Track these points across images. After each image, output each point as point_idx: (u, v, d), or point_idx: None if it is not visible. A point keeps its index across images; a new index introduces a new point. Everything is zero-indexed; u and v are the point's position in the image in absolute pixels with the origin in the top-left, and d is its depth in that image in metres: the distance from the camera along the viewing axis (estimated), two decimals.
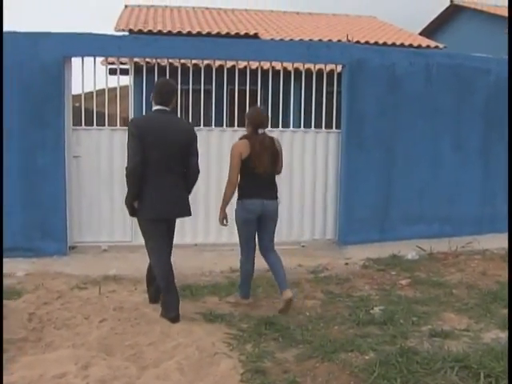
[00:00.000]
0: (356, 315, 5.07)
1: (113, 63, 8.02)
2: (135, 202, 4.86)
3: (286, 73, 8.17)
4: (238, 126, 7.96)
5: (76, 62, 7.47)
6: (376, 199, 8.24)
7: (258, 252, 5.70)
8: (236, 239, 5.54)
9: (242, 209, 5.29)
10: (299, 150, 8.20)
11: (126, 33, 13.54)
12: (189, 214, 5.15)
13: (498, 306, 5.30)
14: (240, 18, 17.52)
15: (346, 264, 7.24)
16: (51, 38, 7.26)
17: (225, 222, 5.41)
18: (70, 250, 7.57)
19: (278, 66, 8.25)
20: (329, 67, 8.29)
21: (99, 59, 8.00)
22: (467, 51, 10.83)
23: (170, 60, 7.91)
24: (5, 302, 5.04)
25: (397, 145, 8.29)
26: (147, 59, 7.91)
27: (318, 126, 8.31)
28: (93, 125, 7.74)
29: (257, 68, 8.00)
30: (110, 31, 13.19)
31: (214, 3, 20.70)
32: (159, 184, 4.82)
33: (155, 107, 4.98)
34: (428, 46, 15.39)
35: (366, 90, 8.06)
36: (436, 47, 15.49)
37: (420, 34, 20.35)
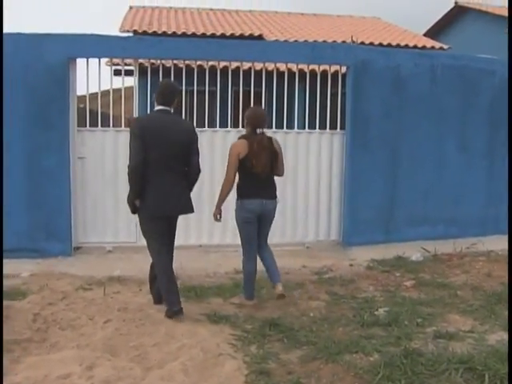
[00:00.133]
0: (360, 316, 5.06)
1: (117, 64, 8.03)
2: (137, 201, 4.93)
3: (291, 74, 8.17)
4: (242, 127, 7.93)
5: (81, 63, 7.50)
6: (381, 200, 8.23)
7: None
8: None
9: (241, 209, 5.35)
10: (304, 150, 8.19)
11: (131, 34, 13.57)
12: (191, 210, 5.22)
13: (503, 308, 5.28)
14: (244, 19, 17.52)
15: (351, 265, 7.23)
16: (56, 40, 7.28)
17: (218, 217, 5.50)
18: (75, 250, 7.58)
19: (282, 67, 8.25)
20: (333, 68, 8.30)
21: (104, 60, 8.01)
22: (472, 52, 10.80)
23: (175, 61, 7.93)
24: (10, 302, 5.06)
25: (401, 146, 8.28)
26: (152, 60, 7.92)
27: (322, 127, 8.30)
28: (97, 126, 7.76)
29: (261, 69, 8.01)
30: (115, 32, 13.20)
31: (218, 4, 20.75)
32: (161, 182, 4.90)
33: (157, 107, 5.08)
34: (432, 47, 15.37)
35: (370, 91, 8.06)
36: (441, 48, 15.45)
37: (424, 35, 20.33)
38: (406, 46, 14.82)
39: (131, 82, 9.23)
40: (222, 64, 8.14)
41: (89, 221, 7.76)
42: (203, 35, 13.88)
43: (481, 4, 20.78)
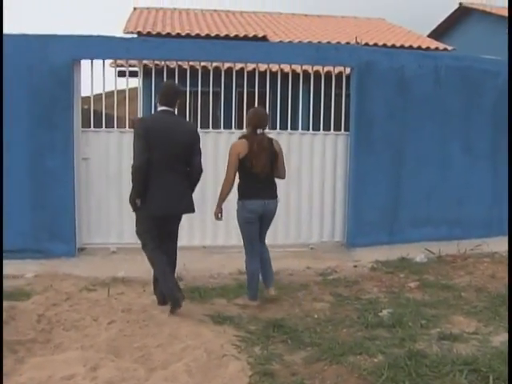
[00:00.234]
0: (364, 318, 5.06)
1: (122, 65, 8.03)
2: (138, 199, 5.03)
3: (295, 75, 8.17)
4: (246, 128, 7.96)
5: (85, 64, 7.51)
6: (385, 201, 8.22)
7: None
8: None
9: (243, 209, 5.40)
10: (308, 152, 8.19)
11: (135, 35, 13.60)
12: (192, 210, 5.31)
13: (507, 309, 5.27)
14: (248, 20, 17.52)
15: (355, 266, 7.22)
16: (61, 41, 7.29)
17: (219, 216, 5.55)
18: (79, 251, 7.59)
19: (286, 68, 8.25)
20: (337, 69, 8.29)
21: (108, 61, 8.02)
22: (476, 53, 10.79)
23: (179, 62, 7.93)
24: (14, 303, 5.07)
25: (405, 147, 8.27)
26: (156, 61, 7.93)
27: (326, 128, 8.30)
28: (102, 127, 7.77)
29: (265, 70, 8.01)
30: (119, 34, 13.23)
31: (222, 5, 20.78)
32: (163, 182, 4.99)
33: (160, 108, 5.19)
34: (437, 49, 15.35)
35: (374, 92, 8.05)
36: (445, 49, 15.43)
37: (428, 36, 20.29)
38: (410, 47, 14.83)
39: (135, 83, 9.21)
40: (227, 65, 8.13)
41: (93, 222, 7.77)
42: (207, 36, 13.87)
43: (485, 5, 20.75)
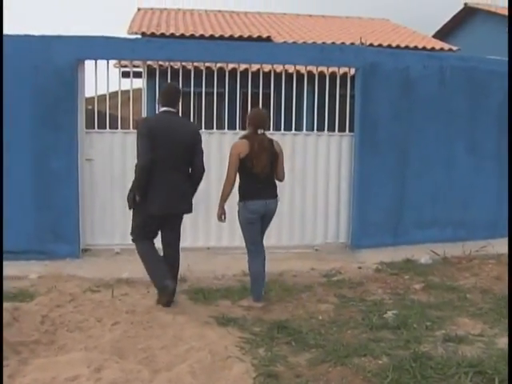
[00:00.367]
0: (369, 319, 5.04)
1: (126, 66, 8.04)
2: (137, 197, 5.09)
3: (299, 76, 8.16)
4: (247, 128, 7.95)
5: (89, 64, 7.51)
6: (389, 203, 8.19)
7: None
8: None
9: (244, 210, 5.41)
10: (312, 153, 8.17)
11: (139, 36, 13.59)
12: (189, 211, 5.40)
13: (508, 311, 5.25)
14: (253, 21, 17.51)
15: (359, 268, 7.20)
16: (65, 41, 7.29)
17: (223, 217, 5.55)
18: (83, 252, 7.59)
19: (291, 69, 8.24)
20: (342, 70, 8.27)
21: (112, 62, 8.03)
22: (481, 54, 10.76)
23: (183, 63, 7.92)
24: (18, 304, 5.07)
25: (410, 148, 8.25)
26: (160, 62, 7.93)
27: (331, 129, 8.28)
28: (106, 128, 7.77)
29: (270, 71, 8.00)
30: (123, 34, 13.23)
31: (226, 6, 20.80)
32: (165, 181, 5.08)
33: (162, 108, 5.30)
34: (441, 49, 15.30)
35: (379, 93, 8.03)
36: (450, 50, 15.39)
37: (433, 36, 20.25)
38: (415, 48, 14.79)
39: (139, 83, 9.26)
40: (231, 66, 8.13)
41: (97, 223, 7.77)
42: (211, 37, 13.86)
43: (490, 5, 20.70)
